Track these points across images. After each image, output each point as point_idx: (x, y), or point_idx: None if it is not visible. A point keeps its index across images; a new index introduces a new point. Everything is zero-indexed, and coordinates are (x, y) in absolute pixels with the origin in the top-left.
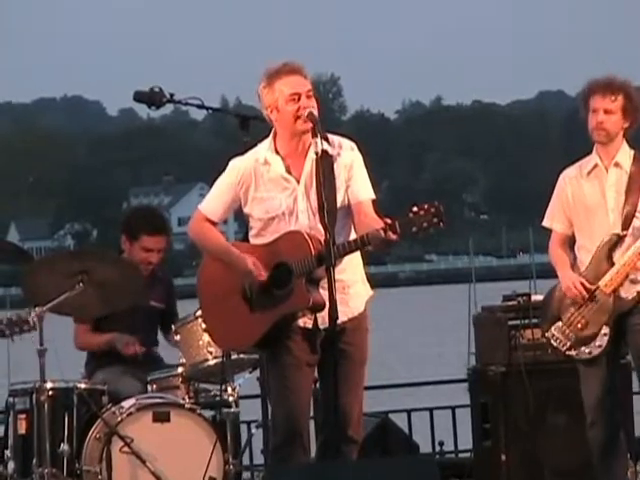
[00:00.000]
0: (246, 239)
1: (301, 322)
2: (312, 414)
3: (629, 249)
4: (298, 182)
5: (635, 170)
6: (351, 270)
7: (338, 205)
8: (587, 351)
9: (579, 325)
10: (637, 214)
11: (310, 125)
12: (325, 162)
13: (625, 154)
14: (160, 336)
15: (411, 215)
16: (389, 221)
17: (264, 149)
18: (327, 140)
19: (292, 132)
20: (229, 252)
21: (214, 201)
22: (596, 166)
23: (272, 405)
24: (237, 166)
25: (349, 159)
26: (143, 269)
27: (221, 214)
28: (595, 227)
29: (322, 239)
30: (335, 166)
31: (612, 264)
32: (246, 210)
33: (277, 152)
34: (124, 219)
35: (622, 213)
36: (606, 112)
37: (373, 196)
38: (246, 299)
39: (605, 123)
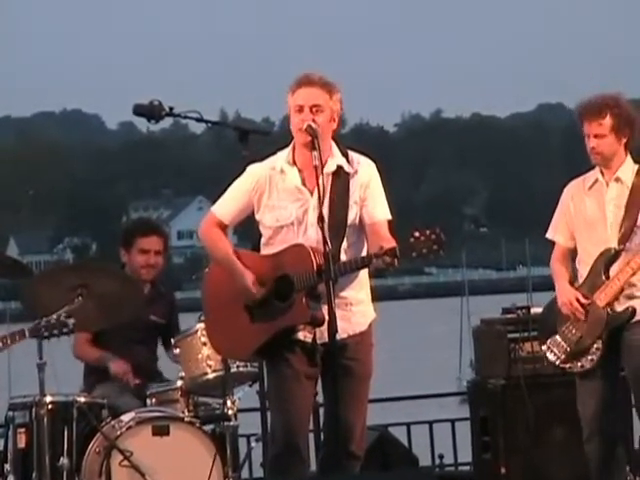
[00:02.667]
0: (255, 248)
1: (301, 335)
2: (313, 427)
3: (625, 264)
4: (312, 195)
5: (637, 184)
6: (357, 289)
7: (349, 222)
8: (579, 364)
9: (574, 338)
10: (636, 229)
11: (309, 139)
12: (340, 178)
13: (628, 169)
14: (160, 350)
15: (412, 240)
16: (390, 246)
17: (282, 158)
18: (347, 157)
19: (298, 142)
20: (232, 264)
21: (227, 204)
22: (597, 181)
23: (271, 416)
24: (253, 172)
25: (366, 178)
26: (145, 274)
27: (233, 218)
28: (595, 242)
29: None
30: (351, 183)
31: (608, 278)
32: (258, 217)
33: (294, 163)
34: (120, 234)
35: (621, 227)
36: (596, 136)
37: (389, 217)
38: (248, 309)
39: (597, 147)
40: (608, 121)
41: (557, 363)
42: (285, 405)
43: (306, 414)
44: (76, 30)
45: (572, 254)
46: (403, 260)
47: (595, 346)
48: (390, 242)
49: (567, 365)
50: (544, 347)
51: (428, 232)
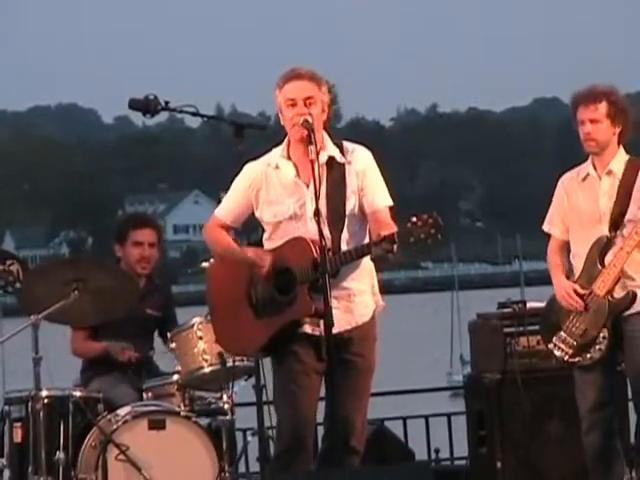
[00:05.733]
0: (258, 245)
1: (308, 329)
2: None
3: (620, 249)
4: (307, 188)
5: (627, 175)
6: (360, 279)
7: (348, 212)
8: (589, 356)
9: (579, 332)
10: (627, 216)
11: (305, 133)
12: (335, 169)
13: (620, 161)
14: (157, 344)
15: (409, 225)
16: (388, 232)
17: (277, 154)
18: (341, 147)
19: (293, 138)
20: (232, 250)
21: (227, 205)
22: (589, 174)
23: (277, 410)
24: (249, 170)
25: (362, 166)
26: (140, 268)
27: (234, 218)
28: (589, 235)
29: (327, 246)
30: (347, 173)
31: (604, 267)
32: (257, 214)
33: (289, 157)
34: (114, 229)
35: (612, 216)
36: (592, 122)
37: (390, 203)
38: (252, 305)
39: (593, 133)
40: (604, 106)
41: (565, 359)
42: (294, 400)
43: (314, 409)
44: (72, 25)
45: (568, 247)
46: (403, 249)
47: (602, 335)
48: (391, 228)
49: (576, 359)
50: (550, 345)
51: (425, 217)
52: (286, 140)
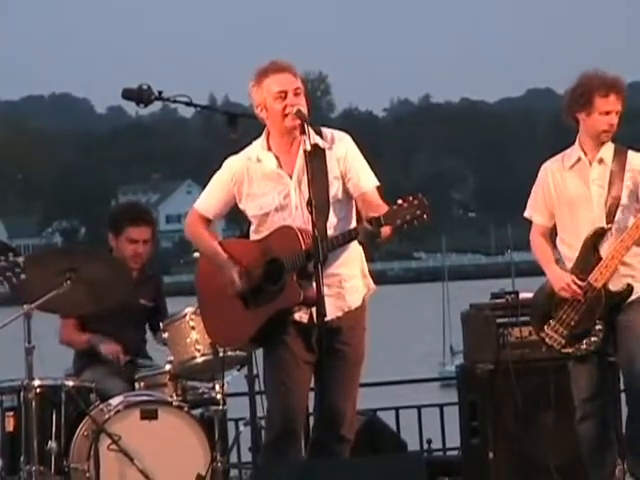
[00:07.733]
0: (244, 235)
1: (297, 317)
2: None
3: (615, 241)
4: (291, 178)
5: (617, 163)
6: (348, 264)
7: (332, 199)
8: (583, 347)
9: (572, 322)
10: (620, 206)
11: (298, 122)
12: (317, 157)
13: (609, 149)
14: (148, 334)
15: (395, 207)
16: (373, 216)
17: (257, 147)
18: (320, 134)
19: (282, 130)
20: (218, 256)
21: (208, 198)
22: (579, 160)
23: (268, 400)
24: (230, 164)
25: (342, 151)
26: (132, 263)
27: (214, 211)
28: (579, 222)
29: (316, 234)
30: (328, 159)
31: (599, 258)
32: (241, 207)
33: (270, 149)
34: (109, 217)
35: (606, 206)
36: (617, 113)
37: (376, 183)
38: (240, 296)
39: (615, 125)
40: (622, 97)
41: (558, 348)
42: (284, 390)
43: (304, 399)
44: (65, 14)
45: (550, 233)
46: (395, 234)
47: (597, 327)
48: (382, 208)
49: (569, 350)
50: (542, 334)
51: (411, 198)
52: (265, 132)
